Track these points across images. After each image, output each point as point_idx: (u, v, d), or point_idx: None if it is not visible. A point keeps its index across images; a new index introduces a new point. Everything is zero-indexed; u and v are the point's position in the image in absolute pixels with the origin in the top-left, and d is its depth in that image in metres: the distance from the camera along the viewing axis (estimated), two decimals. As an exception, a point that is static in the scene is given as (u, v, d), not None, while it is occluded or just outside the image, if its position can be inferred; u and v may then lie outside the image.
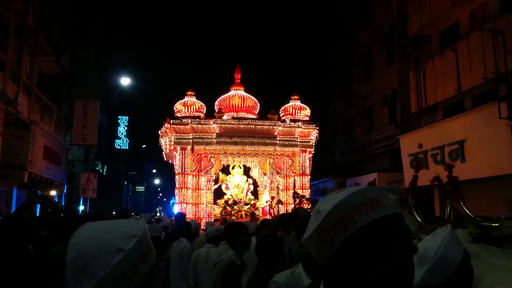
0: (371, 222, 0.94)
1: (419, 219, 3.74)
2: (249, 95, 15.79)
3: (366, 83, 20.35)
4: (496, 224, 4.03)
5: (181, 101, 15.02)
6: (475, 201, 9.66)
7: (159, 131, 15.59)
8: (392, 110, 18.07)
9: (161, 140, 15.80)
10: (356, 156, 20.44)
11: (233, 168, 15.49)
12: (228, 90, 16.01)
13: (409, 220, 3.85)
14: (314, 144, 15.37)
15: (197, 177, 14.57)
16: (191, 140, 14.45)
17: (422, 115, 14.97)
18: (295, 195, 11.85)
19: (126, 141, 34.71)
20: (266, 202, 14.72)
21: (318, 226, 0.97)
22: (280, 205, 13.02)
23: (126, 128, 34.94)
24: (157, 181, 63.70)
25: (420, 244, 1.65)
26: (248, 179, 15.60)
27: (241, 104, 15.43)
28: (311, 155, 15.44)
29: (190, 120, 14.39)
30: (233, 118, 15.02)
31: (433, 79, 14.16)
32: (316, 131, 15.19)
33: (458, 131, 11.86)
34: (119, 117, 34.77)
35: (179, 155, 14.58)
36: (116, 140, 34.05)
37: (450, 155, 12.09)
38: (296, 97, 15.69)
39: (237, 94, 15.68)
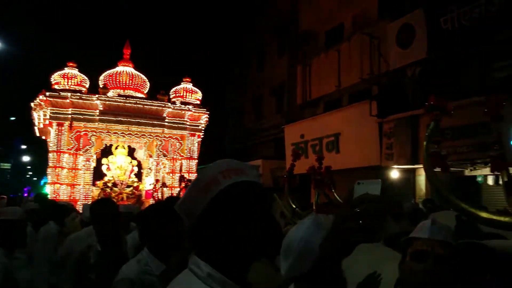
0: (233, 184, 1.04)
1: (293, 205, 3.98)
2: (138, 73, 15.07)
3: (258, 72, 20.88)
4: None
5: (60, 72, 13.71)
6: (348, 189, 10.57)
7: (32, 104, 14.05)
8: (280, 100, 18.86)
9: (34, 113, 14.28)
10: (244, 143, 20.97)
11: (116, 148, 14.70)
12: (116, 66, 15.06)
13: (284, 206, 4.07)
14: (203, 128, 15.33)
15: (74, 156, 13.51)
16: (70, 116, 13.32)
17: (305, 107, 15.92)
18: (182, 178, 11.71)
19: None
20: (150, 184, 14.31)
21: (190, 189, 1.08)
22: (165, 188, 12.75)
23: (-8, 97, 30.84)
24: (26, 158, 57.49)
25: (287, 235, 1.65)
26: (132, 161, 14.96)
27: (129, 82, 14.65)
28: (200, 139, 15.40)
29: (70, 94, 13.24)
30: (119, 95, 14.21)
31: (317, 75, 15.11)
32: (207, 115, 15.18)
33: (335, 125, 12.87)
34: (-17, 84, 30.54)
35: (55, 131, 13.34)
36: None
37: (327, 146, 13.08)
38: (188, 79, 15.44)
39: (125, 70, 14.84)
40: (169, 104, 14.52)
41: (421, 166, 10.34)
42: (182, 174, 13.60)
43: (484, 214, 1.74)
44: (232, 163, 1.10)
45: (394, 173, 11.08)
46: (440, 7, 9.59)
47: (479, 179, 9.76)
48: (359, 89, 12.92)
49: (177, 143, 14.76)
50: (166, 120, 14.36)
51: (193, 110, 14.84)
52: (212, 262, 1.04)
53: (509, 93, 7.82)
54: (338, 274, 0.91)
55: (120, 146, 14.73)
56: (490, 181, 9.41)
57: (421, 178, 10.80)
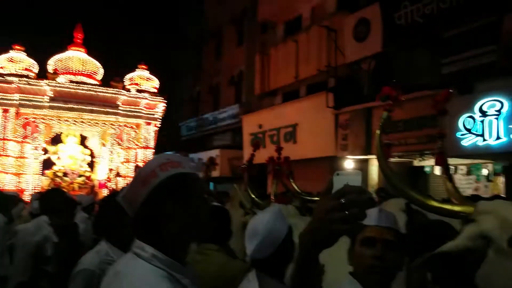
0: (171, 176, 1.14)
1: (252, 195, 4.00)
2: (90, 58, 14.47)
3: (215, 60, 20.66)
4: (317, 199, 4.58)
5: (6, 55, 12.93)
6: (304, 178, 10.79)
7: (-26, 88, 13.19)
8: (238, 90, 18.79)
9: (-23, 98, 13.40)
10: (201, 132, 20.76)
11: (67, 136, 14.11)
12: (66, 50, 14.38)
13: (243, 195, 4.08)
14: (160, 117, 15.03)
15: (21, 144, 12.84)
16: (16, 102, 12.64)
17: (264, 97, 15.98)
18: (137, 168, 11.45)
19: None
20: (105, 174, 13.89)
21: (131, 183, 1.18)
22: (119, 178, 12.44)
23: None
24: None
25: (251, 221, 1.82)
26: (84, 150, 14.42)
27: (80, 67, 14.04)
28: (156, 128, 15.08)
29: (16, 78, 12.53)
30: (70, 81, 13.60)
31: (276, 65, 15.17)
32: (164, 104, 14.87)
33: (293, 116, 13.03)
34: None
35: (0, 117, 12.62)
36: None
37: (285, 137, 13.24)
38: (144, 66, 15.02)
39: (76, 55, 14.21)
40: (124, 91, 14.10)
41: (374, 156, 10.71)
42: (137, 163, 13.31)
43: (432, 203, 1.84)
44: (170, 157, 1.21)
45: (349, 163, 11.39)
46: (394, 2, 9.89)
47: (427, 169, 10.25)
48: (317, 80, 13.11)
49: (132, 132, 14.39)
50: (121, 108, 13.94)
51: (149, 98, 14.50)
52: (155, 245, 1.13)
53: (456, 88, 8.17)
54: (316, 263, 0.93)
55: (72, 134, 14.16)
56: (437, 171, 9.92)
57: (374, 168, 11.18)
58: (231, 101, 19.10)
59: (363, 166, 11.31)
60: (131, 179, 1.26)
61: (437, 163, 2.49)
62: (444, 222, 1.86)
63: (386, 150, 2.39)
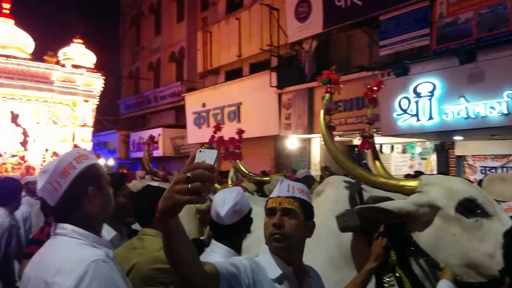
0: (87, 166, 1.38)
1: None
2: (21, 30, 13.42)
3: (155, 36, 20.03)
4: (267, 178, 4.74)
5: None
6: (248, 157, 10.98)
7: None
8: (180, 67, 18.44)
9: None
10: (141, 110, 20.23)
11: (-4, 114, 13.08)
12: (-8, 21, 13.21)
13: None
14: (98, 94, 14.40)
15: None
16: None
17: (206, 76, 15.85)
18: (76, 148, 10.96)
19: None
20: (41, 154, 13.12)
21: (49, 176, 1.33)
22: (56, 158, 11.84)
23: None
24: None
25: (219, 193, 2.06)
26: (17, 128, 13.47)
27: (9, 40, 12.98)
28: (94, 105, 14.45)
29: None
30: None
31: (218, 43, 15.03)
32: (102, 80, 14.24)
33: (236, 94, 13.08)
34: None
35: None
36: None
37: (228, 116, 13.29)
38: (80, 41, 14.20)
39: (4, 27, 13.10)
40: (59, 66, 13.30)
41: (315, 135, 11.12)
42: (75, 143, 12.78)
43: (379, 179, 2.03)
44: (80, 151, 1.43)
45: (292, 142, 11.71)
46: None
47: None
48: (259, 59, 13.22)
49: (69, 110, 13.69)
50: (56, 84, 13.16)
51: (86, 74, 13.81)
52: (75, 224, 1.33)
53: (392, 70, 8.58)
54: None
55: (2, 111, 13.15)
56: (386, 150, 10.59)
57: (316, 147, 11.59)
58: (172, 79, 18.71)
59: (305, 145, 11.72)
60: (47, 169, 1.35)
61: (361, 147, 2.69)
62: (390, 198, 2.03)
63: (330, 132, 2.57)
